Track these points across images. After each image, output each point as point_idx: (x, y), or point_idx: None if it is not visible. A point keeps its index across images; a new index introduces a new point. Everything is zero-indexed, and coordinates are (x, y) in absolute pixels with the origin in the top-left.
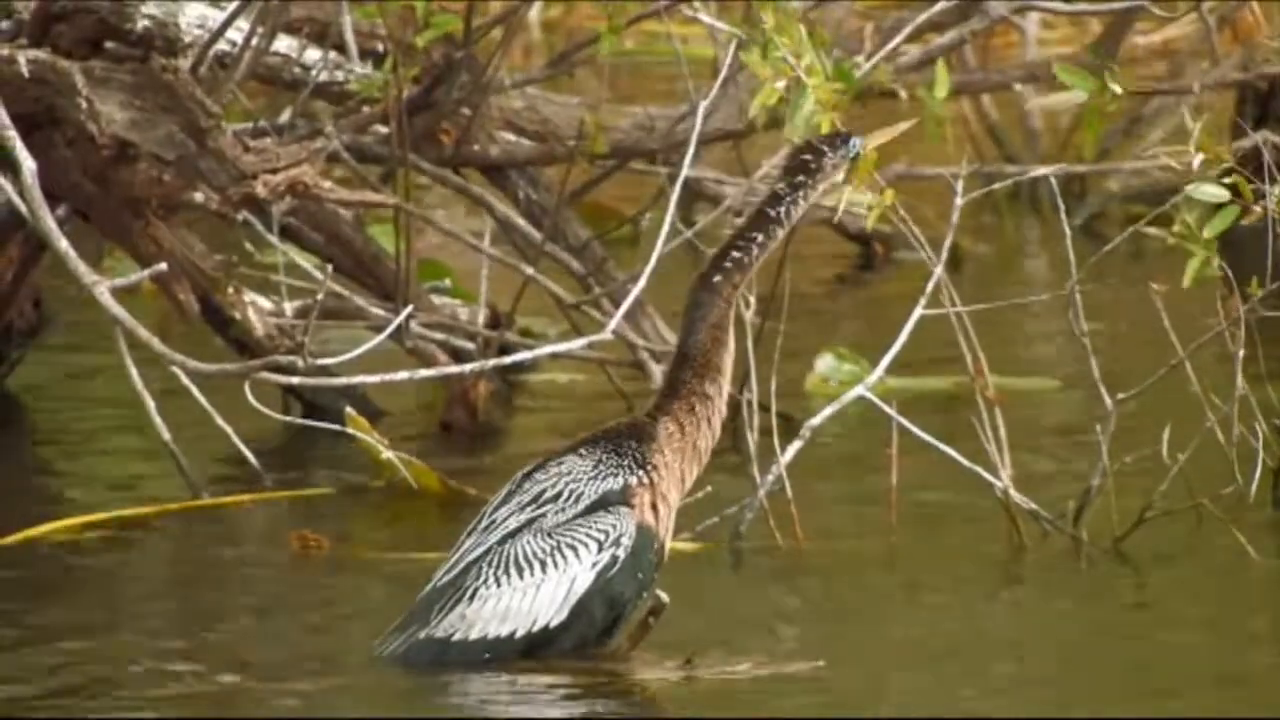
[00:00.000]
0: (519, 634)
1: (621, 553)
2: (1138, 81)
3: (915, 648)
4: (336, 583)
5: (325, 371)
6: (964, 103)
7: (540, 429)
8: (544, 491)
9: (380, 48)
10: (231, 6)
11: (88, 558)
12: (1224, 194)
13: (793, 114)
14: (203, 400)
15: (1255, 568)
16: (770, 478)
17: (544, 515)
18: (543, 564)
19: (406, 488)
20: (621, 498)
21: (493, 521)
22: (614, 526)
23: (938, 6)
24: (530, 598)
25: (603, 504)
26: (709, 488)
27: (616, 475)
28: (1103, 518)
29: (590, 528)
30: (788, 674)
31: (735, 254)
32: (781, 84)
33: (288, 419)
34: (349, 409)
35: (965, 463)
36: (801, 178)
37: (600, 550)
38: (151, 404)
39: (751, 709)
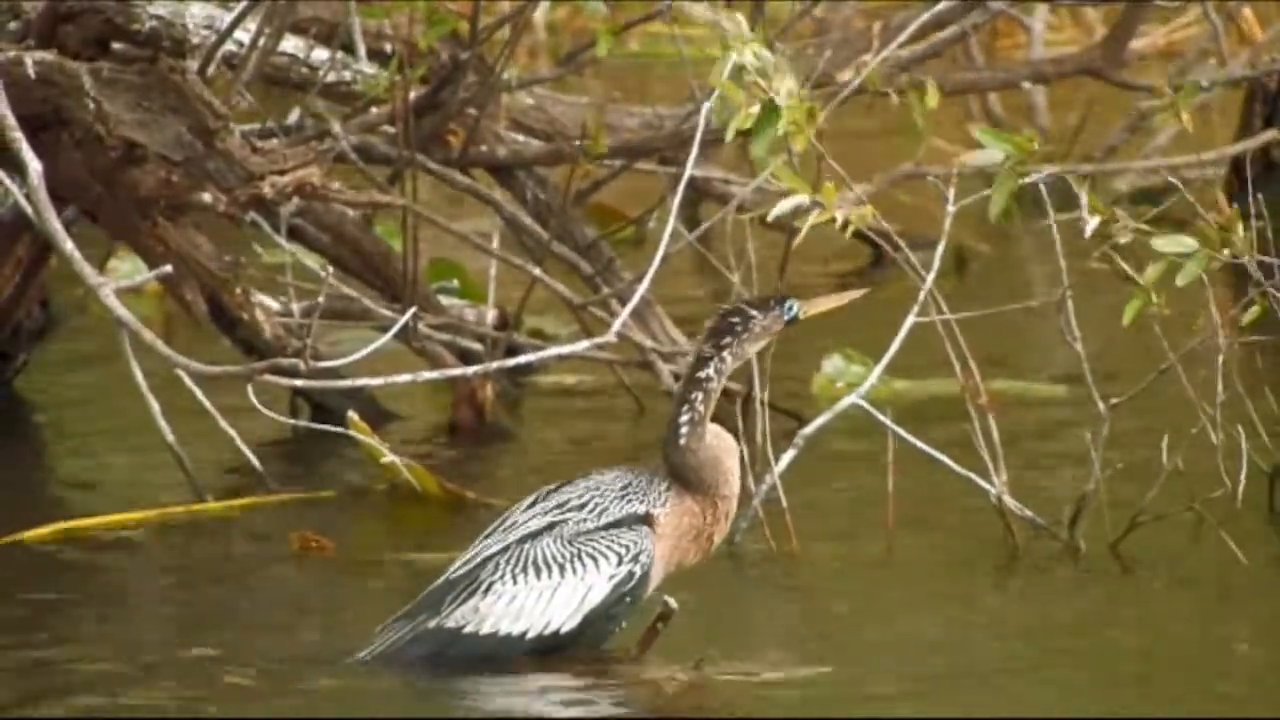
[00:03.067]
0: (529, 635)
1: (639, 570)
2: (1143, 82)
3: (908, 650)
4: (338, 584)
5: (330, 373)
6: (971, 102)
7: (548, 430)
8: (569, 500)
9: (388, 48)
10: (239, 7)
11: (91, 559)
12: (1191, 245)
13: (758, 136)
14: (206, 403)
15: (1246, 571)
16: (764, 487)
17: (566, 522)
18: (561, 568)
19: (409, 490)
20: (644, 523)
21: (514, 523)
22: (634, 543)
23: (940, 5)
24: (545, 600)
25: (625, 523)
26: None
27: (643, 502)
28: (1098, 522)
29: (612, 541)
30: (795, 677)
31: (685, 416)
32: (755, 108)
33: (291, 421)
34: (351, 412)
35: (958, 469)
36: (727, 339)
37: (619, 564)
38: (156, 406)
39: (759, 711)
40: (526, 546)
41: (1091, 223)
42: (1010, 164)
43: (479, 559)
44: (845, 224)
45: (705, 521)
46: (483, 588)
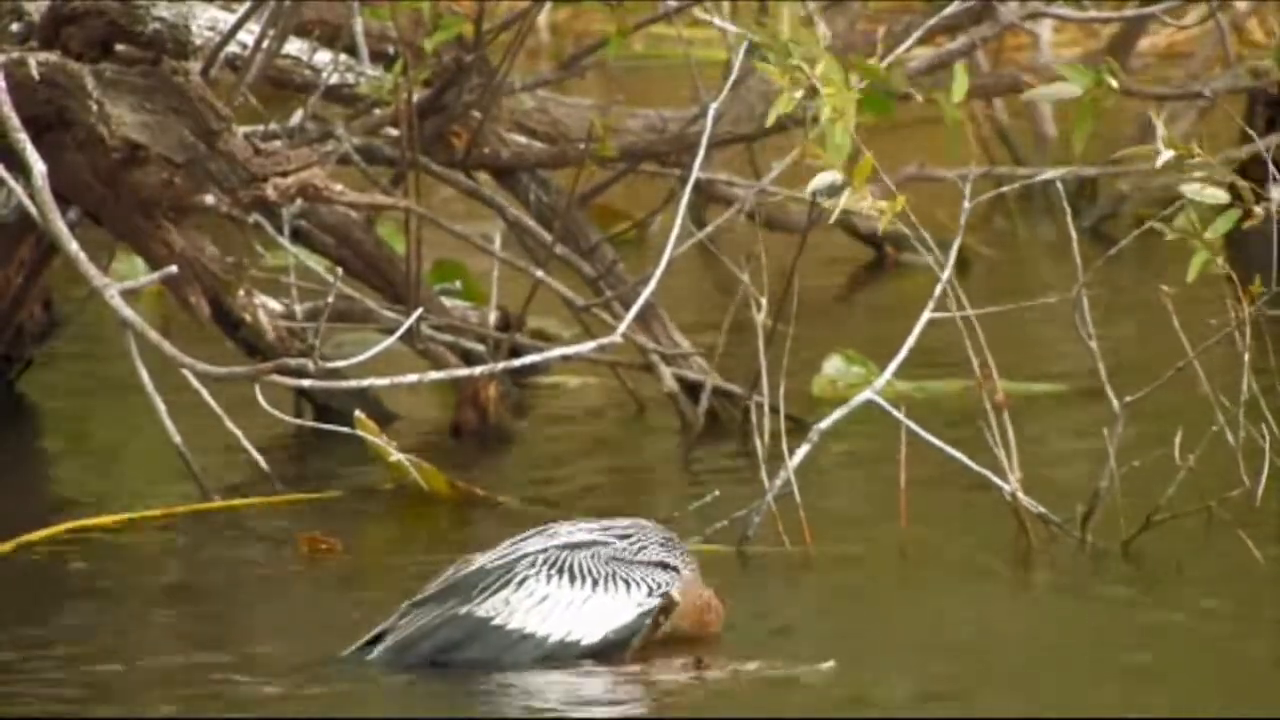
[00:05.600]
0: (551, 639)
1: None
2: (1148, 86)
3: (924, 649)
4: (346, 585)
5: (335, 374)
6: (974, 105)
7: (550, 431)
8: (613, 527)
9: (391, 50)
10: (242, 9)
11: (96, 560)
12: (1223, 196)
13: (829, 130)
14: (212, 403)
15: (1262, 570)
16: (778, 481)
17: (609, 544)
18: (595, 583)
19: (416, 490)
20: (675, 572)
21: (556, 532)
22: (667, 583)
23: (949, 9)
24: (575, 608)
25: (659, 565)
26: (717, 491)
27: (678, 560)
28: (1112, 520)
29: (647, 575)
30: (797, 674)
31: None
32: (799, 92)
33: (297, 421)
34: (357, 412)
35: (973, 465)
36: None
37: (649, 595)
38: (162, 407)
39: (761, 709)
40: (565, 554)
41: (1165, 154)
42: (1091, 97)
43: (516, 554)
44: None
45: (713, 614)
46: (516, 580)
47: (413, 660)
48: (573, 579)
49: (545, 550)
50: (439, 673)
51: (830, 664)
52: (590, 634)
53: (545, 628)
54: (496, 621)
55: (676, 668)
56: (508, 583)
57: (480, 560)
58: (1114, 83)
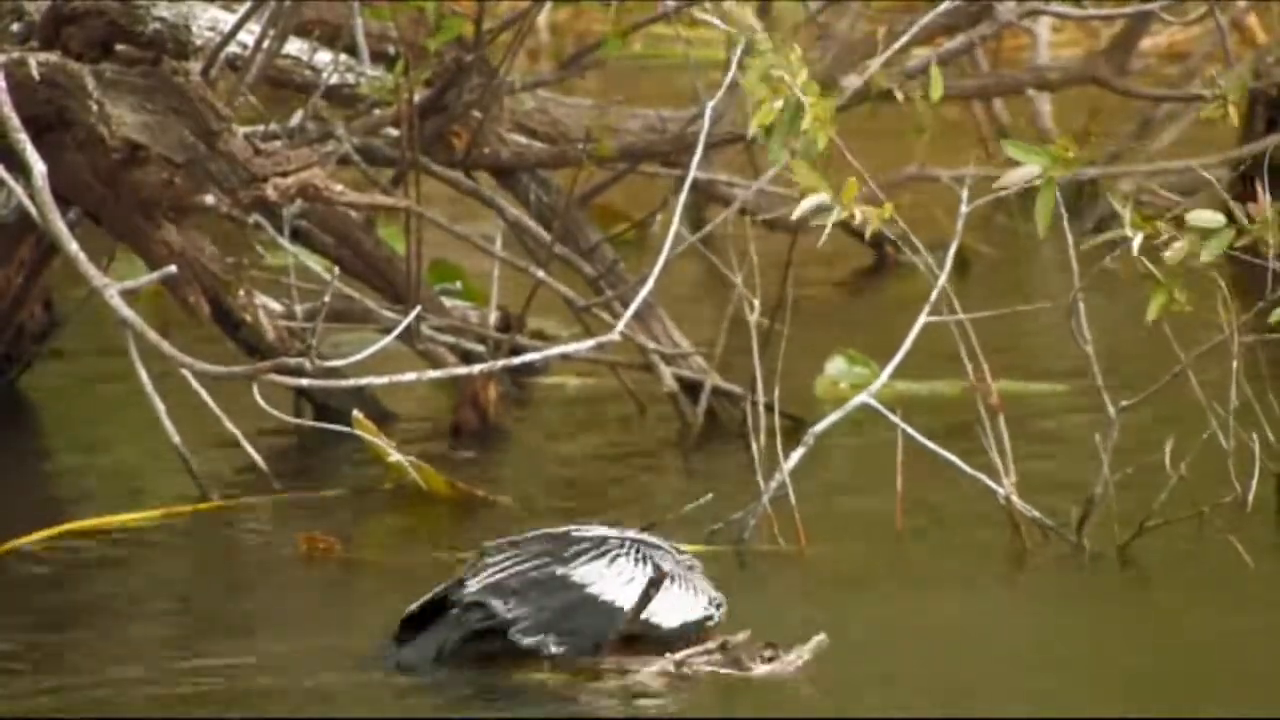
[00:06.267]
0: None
1: (718, 616)
2: (1148, 85)
3: (917, 650)
4: (346, 584)
5: (334, 373)
6: (975, 106)
7: (550, 431)
8: (668, 540)
9: (392, 50)
10: (242, 9)
11: (96, 559)
12: (1220, 219)
13: (776, 134)
14: (211, 403)
15: (1253, 573)
16: (773, 483)
17: (670, 552)
18: (672, 578)
19: (415, 490)
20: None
21: (610, 530)
22: (721, 600)
23: (943, 7)
24: (657, 594)
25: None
26: (710, 494)
27: (709, 608)
28: (1106, 524)
29: (706, 586)
30: (794, 670)
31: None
32: (779, 103)
33: (296, 421)
34: (355, 412)
35: (968, 469)
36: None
37: (709, 605)
38: (161, 407)
39: (758, 709)
40: (642, 548)
41: (1136, 239)
42: (1050, 175)
43: (596, 533)
44: (860, 223)
45: None
46: (610, 554)
47: (505, 608)
48: (654, 569)
49: (623, 536)
50: (443, 672)
51: (821, 637)
52: (668, 620)
53: (630, 605)
54: (593, 590)
55: (667, 661)
56: (602, 555)
57: (566, 527)
58: (1071, 153)
